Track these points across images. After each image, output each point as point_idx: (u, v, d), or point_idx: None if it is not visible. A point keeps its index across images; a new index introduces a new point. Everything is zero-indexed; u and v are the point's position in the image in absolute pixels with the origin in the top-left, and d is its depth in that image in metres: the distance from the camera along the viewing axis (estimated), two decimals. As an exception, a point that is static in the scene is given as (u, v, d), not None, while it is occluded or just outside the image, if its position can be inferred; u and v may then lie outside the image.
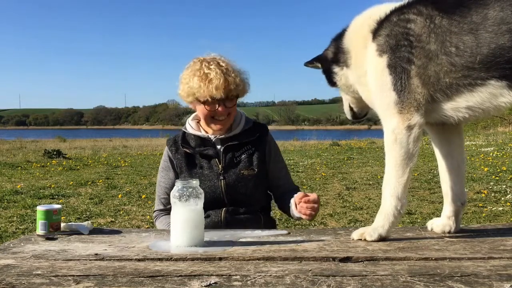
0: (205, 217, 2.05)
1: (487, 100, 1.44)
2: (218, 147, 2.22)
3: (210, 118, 2.17)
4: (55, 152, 14.10)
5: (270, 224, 2.28)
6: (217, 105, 2.12)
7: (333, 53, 1.75)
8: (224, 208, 2.13)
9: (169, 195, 2.18)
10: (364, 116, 1.91)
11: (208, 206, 2.04)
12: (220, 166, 2.18)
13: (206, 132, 2.26)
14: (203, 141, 2.25)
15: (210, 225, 2.05)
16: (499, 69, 1.39)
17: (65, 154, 14.44)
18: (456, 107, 1.49)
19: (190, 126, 2.29)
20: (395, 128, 1.50)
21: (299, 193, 2.14)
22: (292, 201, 2.15)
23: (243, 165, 2.19)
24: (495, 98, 1.43)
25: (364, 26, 1.61)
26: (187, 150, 2.22)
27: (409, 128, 1.50)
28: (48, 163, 12.37)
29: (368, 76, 1.59)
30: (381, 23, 1.56)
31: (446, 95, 1.48)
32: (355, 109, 1.87)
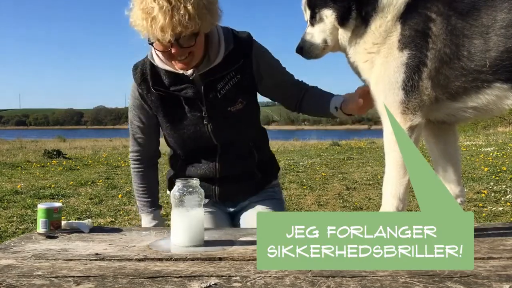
0: (197, 165, 1.96)
1: (492, 102, 1.45)
2: (197, 83, 1.85)
3: (169, 57, 1.76)
4: (55, 152, 14.09)
5: (268, 163, 2.08)
6: (170, 47, 1.70)
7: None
8: (217, 164, 1.93)
9: (144, 133, 1.97)
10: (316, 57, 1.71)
11: (197, 151, 1.94)
12: (203, 109, 1.85)
13: None
14: (179, 78, 1.83)
15: (203, 177, 1.88)
16: (505, 72, 1.40)
17: (65, 154, 14.43)
18: (461, 107, 1.50)
19: (158, 58, 1.83)
20: None
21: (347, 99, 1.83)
22: (336, 103, 1.87)
23: (229, 100, 1.86)
24: (500, 100, 1.45)
25: None
26: (161, 93, 1.85)
27: (411, 129, 1.49)
28: (48, 163, 12.37)
29: (377, 61, 1.53)
30: (411, 7, 1.48)
31: (453, 96, 1.48)
32: (325, 50, 1.67)
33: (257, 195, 2.07)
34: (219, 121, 1.87)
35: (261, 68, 1.92)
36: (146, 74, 1.87)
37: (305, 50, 1.67)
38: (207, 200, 1.97)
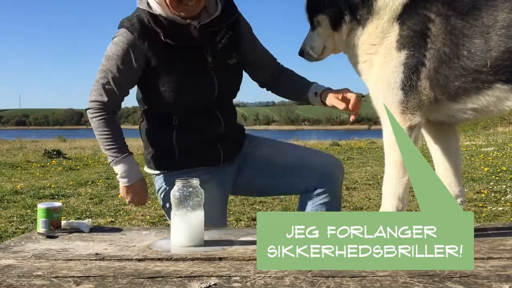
0: (198, 129, 1.95)
1: (493, 104, 1.45)
2: (199, 34, 1.86)
3: (177, 2, 1.77)
4: (55, 152, 14.09)
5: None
6: None
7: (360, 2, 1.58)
8: (220, 117, 1.97)
9: (117, 85, 1.85)
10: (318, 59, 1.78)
11: (197, 107, 1.93)
12: (209, 58, 1.89)
13: (183, 18, 1.83)
14: (182, 29, 1.83)
15: (208, 138, 1.96)
16: (506, 72, 1.40)
17: (65, 154, 14.43)
18: (461, 108, 1.50)
19: (158, 5, 1.81)
20: None
21: (334, 92, 1.90)
22: (317, 89, 1.98)
23: (226, 54, 1.93)
24: (501, 102, 1.45)
25: None
26: (171, 41, 1.81)
27: (410, 129, 1.50)
28: (48, 163, 12.36)
29: (376, 62, 1.55)
30: (409, 8, 1.50)
31: (452, 97, 1.48)
32: (325, 53, 1.74)
33: (246, 146, 2.13)
34: (222, 71, 1.92)
35: (244, 29, 2.01)
36: (146, 25, 1.81)
37: (306, 53, 1.75)
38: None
